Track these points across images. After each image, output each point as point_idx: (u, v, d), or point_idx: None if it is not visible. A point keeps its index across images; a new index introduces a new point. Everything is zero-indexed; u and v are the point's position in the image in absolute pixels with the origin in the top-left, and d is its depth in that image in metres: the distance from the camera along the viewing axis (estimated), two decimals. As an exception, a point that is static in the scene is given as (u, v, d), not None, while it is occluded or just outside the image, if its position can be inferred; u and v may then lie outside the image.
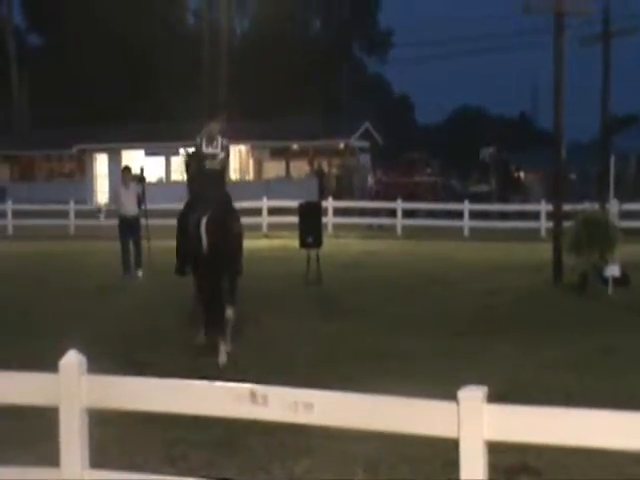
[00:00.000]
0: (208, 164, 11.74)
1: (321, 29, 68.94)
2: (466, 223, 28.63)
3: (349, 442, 6.27)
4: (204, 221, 10.97)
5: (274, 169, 48.19)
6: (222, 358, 10.28)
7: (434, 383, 8.11)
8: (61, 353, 4.62)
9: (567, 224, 16.82)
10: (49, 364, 4.69)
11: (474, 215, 29.32)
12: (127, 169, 19.21)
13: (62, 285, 16.70)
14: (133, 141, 47.06)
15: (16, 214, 30.65)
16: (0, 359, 8.88)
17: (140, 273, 18.02)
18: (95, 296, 15.33)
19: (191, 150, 12.62)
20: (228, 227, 11.18)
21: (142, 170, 17.92)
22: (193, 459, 6.61)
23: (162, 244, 19.00)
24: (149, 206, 18.39)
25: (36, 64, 57.74)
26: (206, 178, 11.66)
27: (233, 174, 46.80)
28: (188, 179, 12.67)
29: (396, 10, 75.34)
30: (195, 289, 11.62)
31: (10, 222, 30.54)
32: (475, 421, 3.81)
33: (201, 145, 11.78)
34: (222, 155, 11.81)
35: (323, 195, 35.31)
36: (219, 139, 11.77)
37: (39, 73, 56.49)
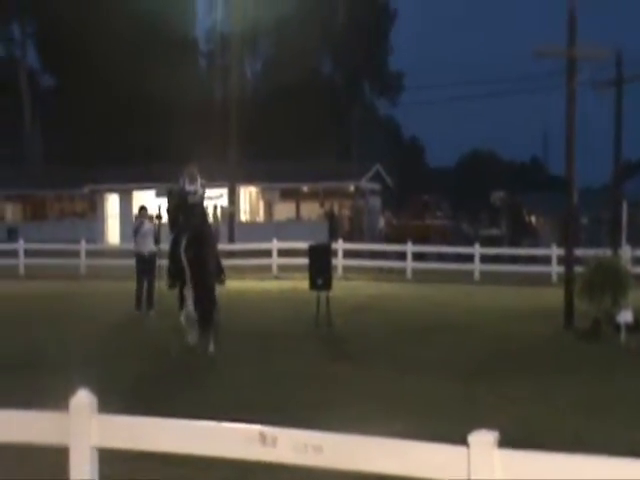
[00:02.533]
0: (190, 199, 14.65)
1: (332, 71, 69.47)
2: (477, 266, 28.60)
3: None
4: (184, 241, 14.09)
5: (284, 211, 48.36)
6: (212, 348, 13.53)
7: (443, 426, 8.10)
8: (72, 391, 4.65)
9: (578, 269, 16.80)
10: (58, 402, 4.72)
11: (485, 259, 29.30)
12: (143, 208, 19.45)
13: (74, 325, 16.73)
14: (144, 182, 47.34)
15: (28, 253, 30.73)
16: (11, 397, 8.89)
17: (152, 313, 18.15)
18: (106, 335, 15.36)
19: (174, 188, 15.30)
20: (205, 242, 14.33)
21: (159, 209, 18.14)
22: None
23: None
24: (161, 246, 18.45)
25: (49, 105, 58.28)
26: (190, 210, 14.51)
27: (243, 215, 47.04)
28: (169, 212, 15.01)
29: (407, 53, 75.99)
30: (179, 299, 14.41)
31: (22, 261, 30.66)
32: (486, 465, 3.82)
33: (184, 184, 14.73)
34: (201, 191, 14.86)
35: (333, 237, 35.36)
36: (198, 178, 14.80)
37: (52, 113, 56.99)
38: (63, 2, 56.84)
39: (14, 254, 31.02)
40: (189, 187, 14.81)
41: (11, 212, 52.27)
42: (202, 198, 14.90)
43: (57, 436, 4.60)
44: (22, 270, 30.26)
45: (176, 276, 14.36)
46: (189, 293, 14.24)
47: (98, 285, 25.38)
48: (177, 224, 14.65)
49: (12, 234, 43.52)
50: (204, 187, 14.89)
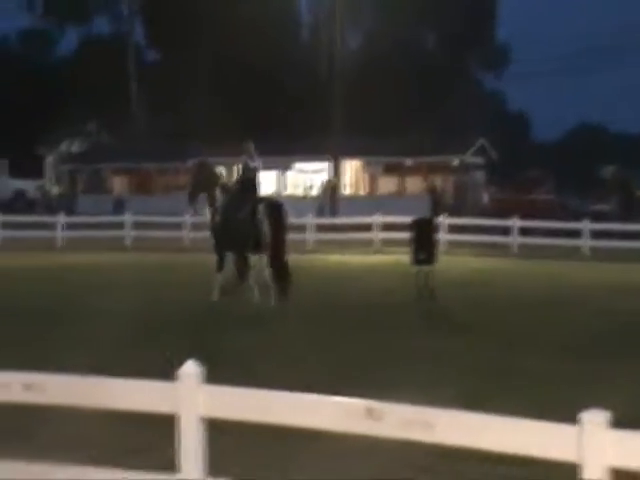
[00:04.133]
0: (248, 174, 17.05)
1: (437, 44, 68.69)
2: (586, 242, 28.02)
3: (469, 463, 6.17)
4: (262, 208, 16.20)
5: (387, 185, 48.21)
6: (277, 299, 15.82)
7: (553, 404, 7.98)
8: (178, 362, 4.74)
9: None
10: (164, 373, 4.81)
11: (594, 234, 28.68)
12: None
13: (176, 296, 17.04)
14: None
15: (134, 226, 31.39)
16: (122, 368, 9.12)
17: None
18: (209, 304, 15.61)
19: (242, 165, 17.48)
20: (283, 211, 16.56)
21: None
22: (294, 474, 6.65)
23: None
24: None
25: (154, 79, 59.24)
26: (248, 184, 16.91)
27: (346, 189, 47.05)
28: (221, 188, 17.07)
29: (514, 24, 74.54)
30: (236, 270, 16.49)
31: (128, 233, 31.35)
32: (597, 446, 3.74)
33: (248, 160, 17.06)
34: (259, 167, 17.32)
35: (436, 211, 35.07)
36: (254, 155, 17.13)
37: (157, 88, 57.94)
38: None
39: (121, 226, 31.74)
40: (253, 164, 17.09)
41: (118, 185, 53.51)
42: (256, 173, 17.21)
43: (167, 405, 4.70)
44: (129, 242, 30.96)
45: (244, 243, 16.11)
46: (262, 259, 16.10)
47: (204, 257, 25.76)
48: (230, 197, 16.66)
49: (119, 206, 44.52)
50: (259, 162, 17.29)
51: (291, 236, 29.54)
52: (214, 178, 17.39)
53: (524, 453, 3.96)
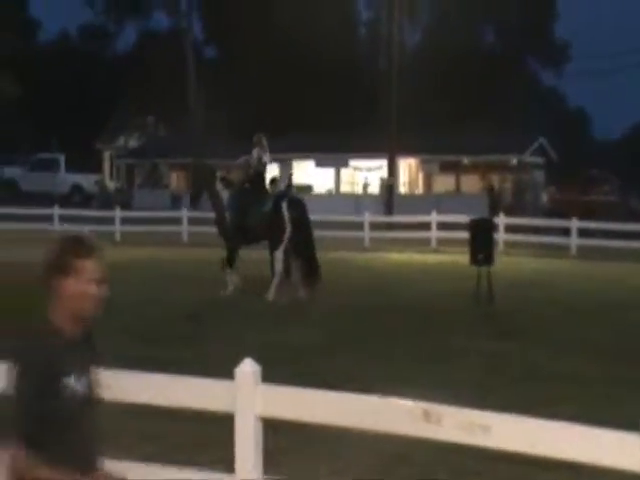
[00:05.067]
0: (260, 168, 17.23)
1: (495, 40, 68.11)
2: (646, 244, 27.55)
3: (530, 469, 6.12)
4: (285, 203, 16.46)
5: (444, 183, 47.98)
6: (303, 294, 16.13)
7: (606, 410, 7.88)
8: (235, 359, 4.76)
9: None
10: (222, 369, 4.84)
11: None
12: (274, 180, 19.77)
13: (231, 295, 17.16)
14: (304, 151, 47.88)
15: (191, 221, 31.62)
16: (179, 362, 9.23)
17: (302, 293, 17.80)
18: (261, 303, 15.69)
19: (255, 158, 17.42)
20: (305, 206, 16.83)
21: (290, 179, 19.60)
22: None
23: (326, 255, 19.25)
24: (318, 217, 19.05)
25: (212, 75, 59.61)
26: (259, 178, 17.23)
27: (402, 187, 46.91)
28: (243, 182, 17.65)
29: (574, 20, 73.60)
30: (279, 264, 16.39)
31: (185, 229, 31.61)
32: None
33: (260, 155, 17.17)
34: (269, 161, 17.60)
35: (494, 211, 34.81)
36: (267, 149, 17.34)
37: (215, 83, 58.30)
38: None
39: (178, 221, 32.00)
40: (265, 158, 17.35)
41: (175, 180, 53.96)
42: (265, 167, 17.61)
43: (224, 404, 4.72)
44: (185, 237, 31.20)
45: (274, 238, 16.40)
46: (280, 253, 16.29)
47: (257, 253, 25.85)
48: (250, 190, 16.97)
49: (176, 202, 44.88)
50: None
51: (348, 234, 29.92)
52: (210, 174, 17.87)
53: (586, 461, 3.92)
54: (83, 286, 3.37)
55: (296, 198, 18.39)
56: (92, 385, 3.50)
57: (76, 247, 3.41)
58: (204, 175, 17.89)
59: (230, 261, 16.98)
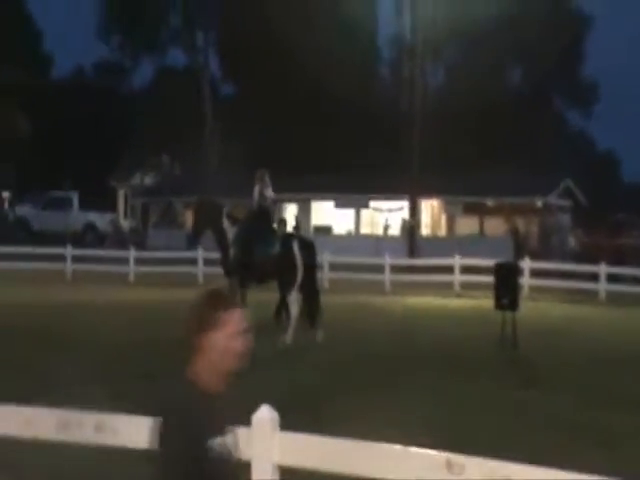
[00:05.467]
0: (263, 203, 17.42)
1: (521, 80, 68.28)
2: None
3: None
4: (297, 243, 16.48)
5: (467, 226, 47.93)
6: (321, 336, 16.14)
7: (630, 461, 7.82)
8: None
9: None
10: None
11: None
12: (283, 221, 19.84)
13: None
14: (323, 192, 48.04)
15: (207, 262, 31.73)
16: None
17: (320, 335, 16.72)
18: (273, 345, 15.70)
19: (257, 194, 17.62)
20: (314, 248, 16.97)
21: (297, 220, 19.79)
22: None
23: (345, 299, 19.26)
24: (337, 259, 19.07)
25: (229, 112, 60.07)
26: (263, 214, 17.37)
27: (424, 229, 46.92)
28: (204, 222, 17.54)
29: (601, 61, 73.74)
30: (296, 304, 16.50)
31: (201, 269, 31.71)
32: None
33: (262, 190, 17.41)
34: (273, 197, 17.83)
35: (519, 255, 34.75)
36: (269, 184, 17.51)
37: (232, 121, 58.71)
38: (248, 10, 58.53)
39: (193, 262, 32.10)
40: (268, 194, 17.60)
41: (191, 219, 54.21)
42: (271, 203, 17.94)
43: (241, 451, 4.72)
44: (201, 279, 31.28)
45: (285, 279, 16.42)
46: (294, 295, 16.37)
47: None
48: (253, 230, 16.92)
49: (191, 242, 44.97)
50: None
51: (368, 277, 29.89)
52: (217, 211, 17.70)
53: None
54: (230, 339, 3.40)
55: (306, 239, 18.55)
56: (234, 445, 3.49)
57: (220, 300, 3.47)
58: (210, 211, 17.72)
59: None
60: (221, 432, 3.40)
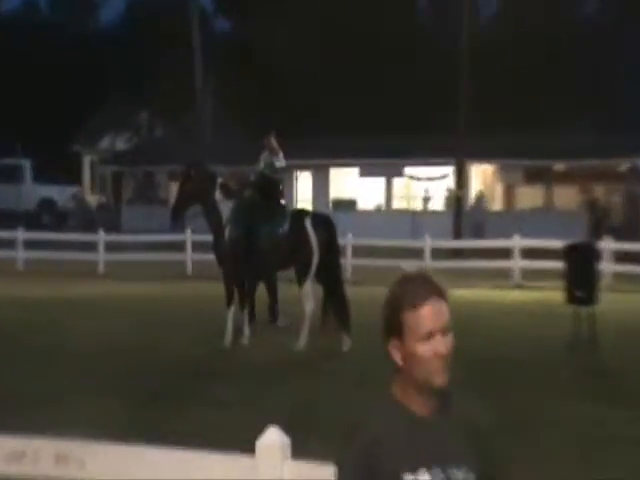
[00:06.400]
0: (272, 175, 17.81)
1: (596, 14, 67.99)
2: None
3: None
4: (309, 220, 16.33)
5: (530, 197, 47.82)
6: (348, 345, 16.06)
7: None
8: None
9: None
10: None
11: None
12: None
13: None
14: (344, 157, 47.97)
15: (198, 247, 31.80)
16: (181, 429, 9.24)
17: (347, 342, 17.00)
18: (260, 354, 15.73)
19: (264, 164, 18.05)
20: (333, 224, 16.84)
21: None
22: None
23: (372, 292, 19.08)
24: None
25: (225, 57, 60.06)
26: (272, 189, 17.62)
27: (473, 202, 46.81)
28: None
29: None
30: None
31: (189, 257, 31.79)
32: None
33: (271, 159, 17.87)
34: (284, 165, 18.28)
35: (597, 233, 34.63)
36: (280, 151, 18.04)
37: (229, 68, 58.65)
38: None
39: (180, 247, 32.19)
40: (277, 163, 17.92)
41: (175, 194, 54.23)
42: (281, 174, 18.42)
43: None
44: (189, 268, 31.38)
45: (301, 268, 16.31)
46: (308, 287, 16.24)
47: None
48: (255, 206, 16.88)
49: (174, 220, 45.02)
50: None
51: (403, 264, 29.80)
52: (209, 181, 17.17)
53: None
54: (424, 344, 3.32)
55: (322, 215, 18.45)
56: None
57: (407, 293, 3.33)
58: (199, 181, 17.10)
59: (229, 298, 16.71)
60: (428, 464, 3.31)
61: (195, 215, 17.90)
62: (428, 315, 3.29)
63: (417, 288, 3.32)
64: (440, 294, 3.33)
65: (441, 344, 3.32)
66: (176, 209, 17.42)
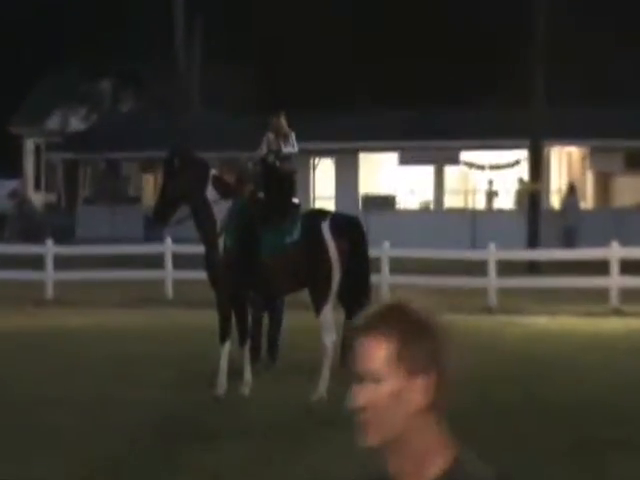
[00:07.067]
0: (282, 164, 18.00)
1: None
2: None
3: None
4: (328, 222, 16.50)
5: (632, 190, 47.86)
6: None
7: None
8: None
9: None
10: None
11: None
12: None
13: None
14: (378, 138, 48.04)
15: (178, 261, 32.00)
16: None
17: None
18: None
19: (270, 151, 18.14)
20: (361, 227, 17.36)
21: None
22: None
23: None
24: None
25: (215, 10, 60.32)
26: (283, 181, 17.91)
27: (556, 197, 46.83)
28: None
29: None
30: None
31: (170, 275, 31.92)
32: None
33: (278, 144, 17.97)
34: (296, 152, 18.51)
35: None
36: (290, 134, 18.23)
37: (216, 20, 58.88)
38: None
39: (157, 262, 32.32)
40: (287, 149, 18.14)
41: (150, 188, 54.20)
42: (295, 165, 18.91)
43: None
44: (170, 290, 31.43)
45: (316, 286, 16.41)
46: (328, 313, 16.30)
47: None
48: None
49: (152, 227, 45.30)
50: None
51: (459, 281, 29.84)
52: (199, 173, 17.13)
53: None
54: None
55: (346, 217, 18.68)
56: None
57: (356, 326, 3.40)
58: (186, 173, 16.93)
59: (224, 331, 16.75)
60: None
61: (179, 220, 17.78)
62: (354, 356, 3.36)
63: (361, 320, 3.38)
64: (380, 330, 3.31)
65: (353, 394, 3.32)
66: (160, 212, 17.23)
